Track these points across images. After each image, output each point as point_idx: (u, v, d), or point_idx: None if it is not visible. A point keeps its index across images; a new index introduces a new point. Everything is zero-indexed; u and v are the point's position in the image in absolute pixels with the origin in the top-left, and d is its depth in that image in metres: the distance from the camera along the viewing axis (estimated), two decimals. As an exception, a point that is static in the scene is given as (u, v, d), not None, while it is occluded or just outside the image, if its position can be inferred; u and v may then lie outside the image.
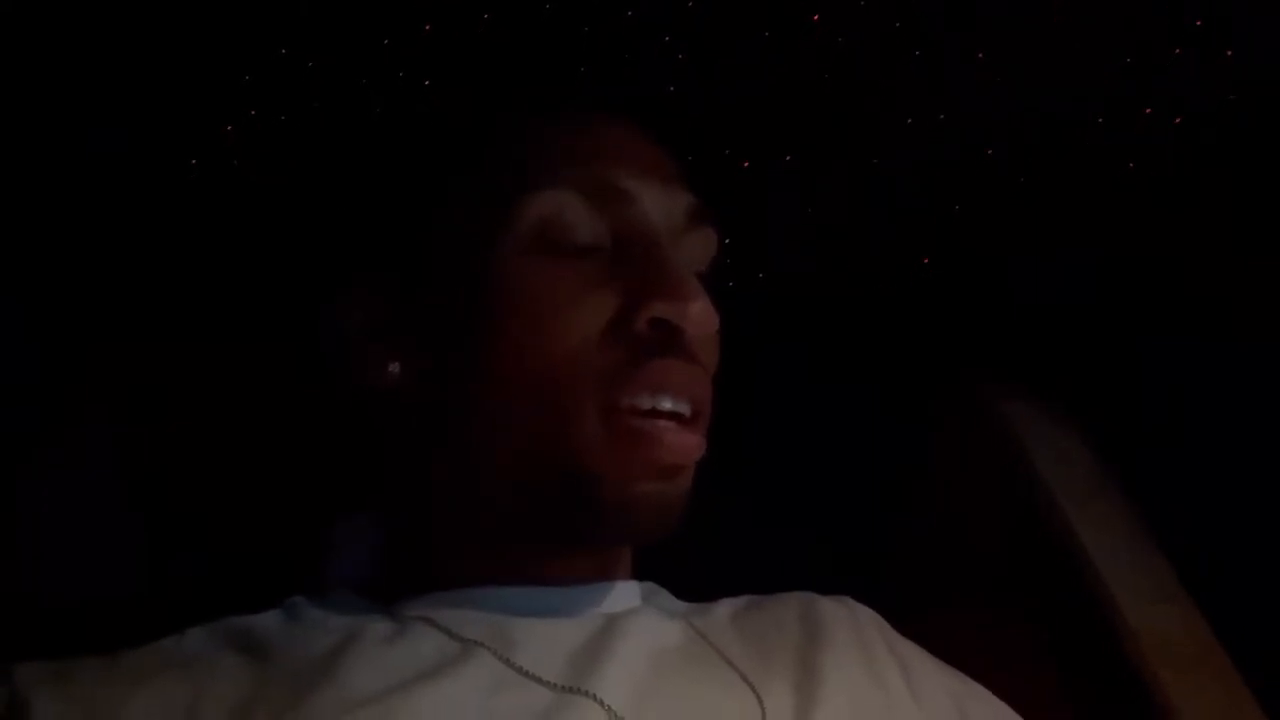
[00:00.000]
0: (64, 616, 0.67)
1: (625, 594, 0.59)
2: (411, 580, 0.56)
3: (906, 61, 0.89)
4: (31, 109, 0.81)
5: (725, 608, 0.61)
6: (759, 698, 0.53)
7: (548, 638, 0.53)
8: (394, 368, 0.57)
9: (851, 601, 0.63)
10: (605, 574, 0.58)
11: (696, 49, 0.87)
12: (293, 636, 0.53)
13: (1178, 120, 0.89)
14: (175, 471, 0.77)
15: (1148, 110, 0.90)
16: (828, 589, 0.65)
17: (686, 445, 0.53)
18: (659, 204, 0.56)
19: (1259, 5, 0.83)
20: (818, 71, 0.89)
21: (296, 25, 0.82)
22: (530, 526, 0.55)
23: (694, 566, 0.65)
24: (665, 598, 0.63)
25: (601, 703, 0.50)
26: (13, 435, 0.71)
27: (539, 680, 0.51)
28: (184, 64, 0.82)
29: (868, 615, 0.63)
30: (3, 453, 0.71)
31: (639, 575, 0.62)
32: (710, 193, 0.62)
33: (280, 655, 0.51)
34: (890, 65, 0.89)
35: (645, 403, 0.53)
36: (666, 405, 0.53)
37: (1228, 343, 0.83)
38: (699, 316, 0.53)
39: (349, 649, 0.51)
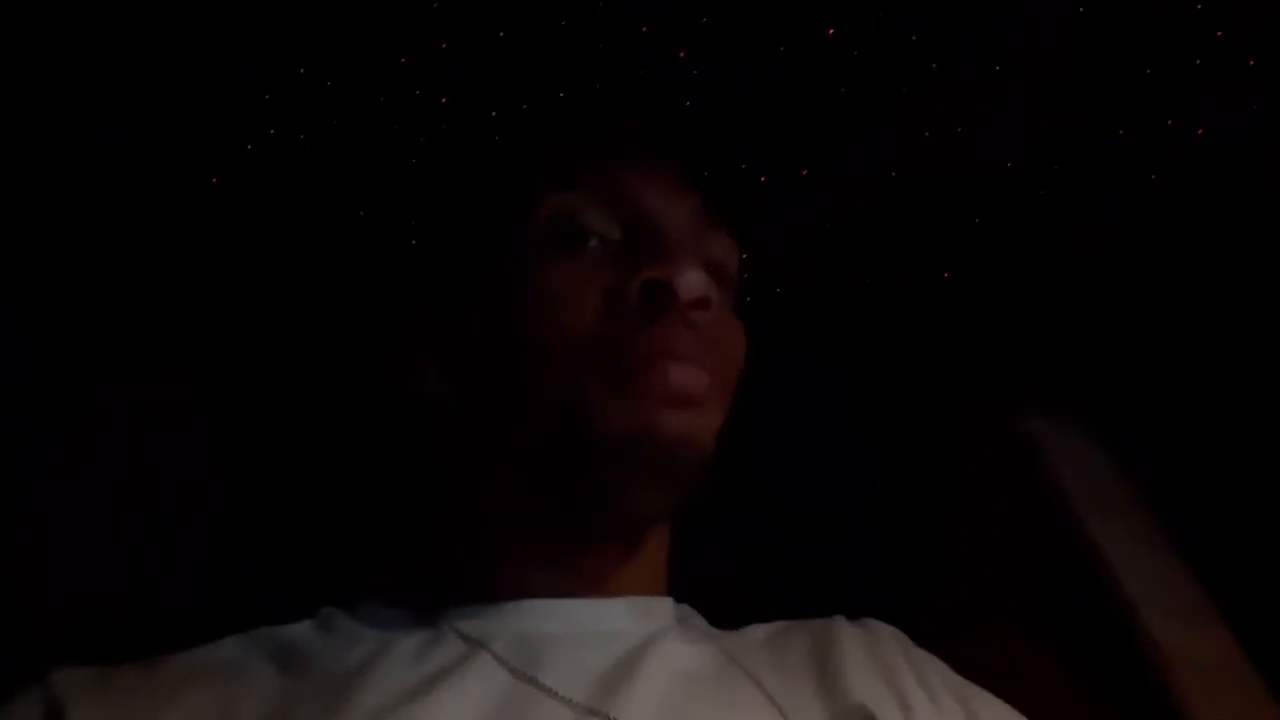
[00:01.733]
0: (74, 619, 0.66)
1: (658, 611, 0.59)
2: (443, 591, 0.56)
3: (924, 75, 0.88)
4: (38, 110, 0.80)
5: (756, 632, 0.62)
6: None
7: (575, 655, 0.53)
8: (437, 378, 0.59)
9: (874, 623, 0.64)
10: (639, 587, 0.58)
11: (713, 66, 0.86)
12: (325, 648, 0.53)
13: (1200, 131, 0.88)
14: (193, 474, 0.76)
15: (1169, 122, 0.90)
16: (851, 610, 0.65)
17: (692, 376, 0.54)
18: (667, 205, 0.58)
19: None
20: (835, 86, 0.88)
21: (322, 43, 0.81)
22: (564, 513, 0.56)
23: (723, 591, 0.65)
24: (698, 620, 0.63)
25: None
26: (13, 435, 0.70)
27: (561, 699, 0.50)
28: (194, 69, 0.82)
29: (889, 633, 0.63)
30: (3, 453, 0.70)
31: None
32: (728, 207, 0.62)
33: (312, 667, 0.52)
34: (907, 79, 0.88)
35: (644, 362, 0.54)
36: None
37: (1253, 356, 0.82)
38: (688, 280, 0.53)
39: (379, 662, 0.51)
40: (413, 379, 0.60)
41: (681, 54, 0.87)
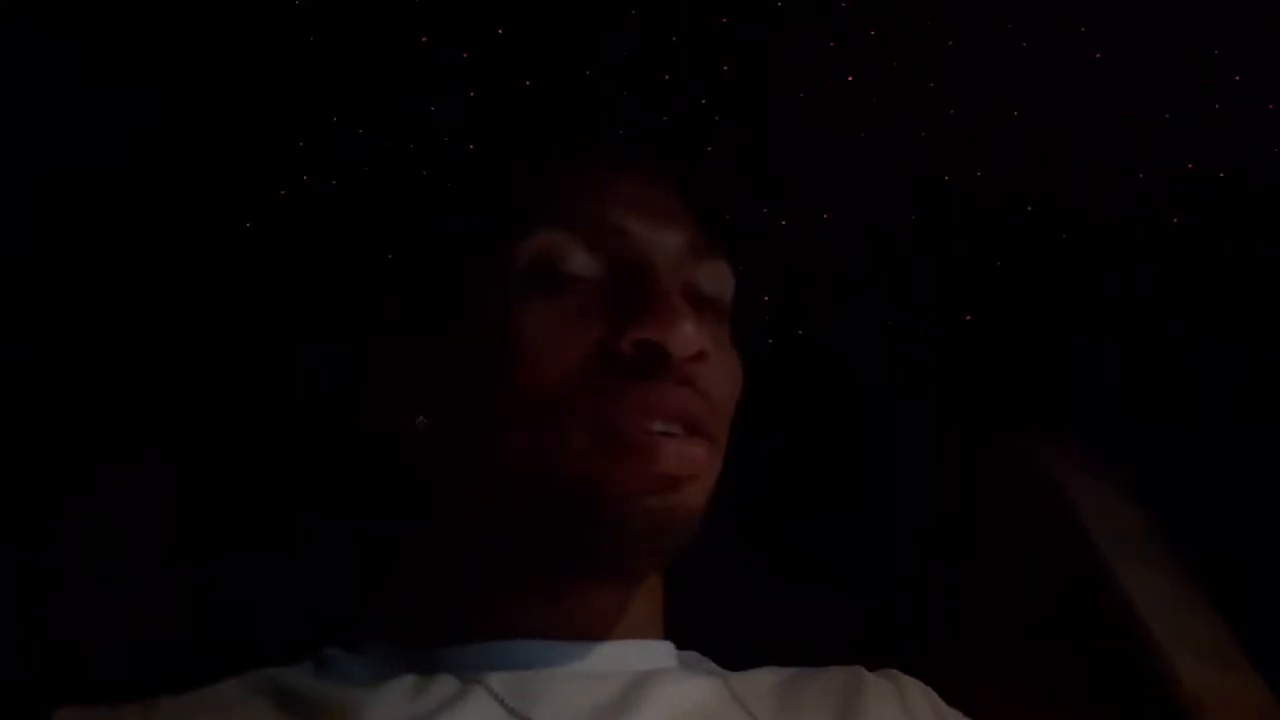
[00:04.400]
0: (98, 645, 0.66)
1: (657, 653, 0.58)
2: (441, 631, 0.55)
3: (949, 121, 0.87)
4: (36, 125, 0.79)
5: (769, 675, 0.60)
6: None
7: (571, 693, 0.52)
8: (421, 417, 0.58)
9: (898, 674, 0.62)
10: (635, 631, 0.57)
11: (733, 108, 0.86)
12: (323, 690, 0.53)
13: (1220, 175, 0.88)
14: (208, 515, 0.75)
15: (1189, 165, 0.90)
16: (870, 654, 0.63)
17: (687, 455, 0.52)
18: (655, 239, 0.57)
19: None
20: (859, 129, 0.87)
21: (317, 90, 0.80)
22: (550, 560, 0.54)
23: (732, 630, 0.63)
24: (706, 663, 0.61)
25: None
26: (12, 434, 0.68)
27: None
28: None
29: (915, 686, 0.61)
30: (36, 486, 0.69)
31: (681, 646, 0.60)
32: (748, 248, 0.61)
33: (311, 709, 0.51)
34: (932, 123, 0.88)
35: (636, 423, 0.52)
36: (656, 427, 0.52)
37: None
38: (683, 338, 0.52)
39: (374, 702, 0.51)
40: (378, 413, 0.59)
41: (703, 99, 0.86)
